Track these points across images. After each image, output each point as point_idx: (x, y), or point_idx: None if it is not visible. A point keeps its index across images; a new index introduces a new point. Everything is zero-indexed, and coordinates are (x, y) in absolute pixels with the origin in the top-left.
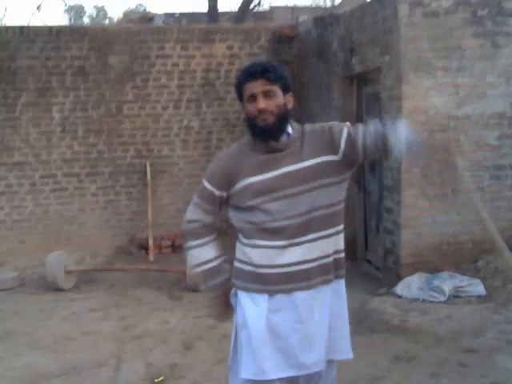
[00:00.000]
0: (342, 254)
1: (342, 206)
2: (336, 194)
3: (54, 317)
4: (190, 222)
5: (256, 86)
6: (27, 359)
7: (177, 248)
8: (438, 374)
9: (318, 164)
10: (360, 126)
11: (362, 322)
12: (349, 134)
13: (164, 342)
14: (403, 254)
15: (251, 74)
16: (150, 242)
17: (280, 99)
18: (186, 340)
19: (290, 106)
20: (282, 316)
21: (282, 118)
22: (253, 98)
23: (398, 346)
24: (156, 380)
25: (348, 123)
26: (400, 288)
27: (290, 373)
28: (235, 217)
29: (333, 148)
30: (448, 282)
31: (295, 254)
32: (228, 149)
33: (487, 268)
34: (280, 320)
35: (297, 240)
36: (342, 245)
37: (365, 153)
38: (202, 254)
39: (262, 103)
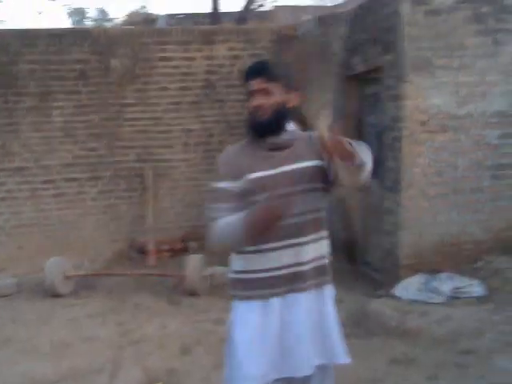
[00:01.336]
0: (327, 260)
1: (324, 213)
2: (319, 201)
3: (51, 323)
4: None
5: (254, 84)
6: (25, 366)
7: (177, 252)
8: (436, 376)
9: (309, 167)
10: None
11: (360, 325)
12: None
13: (162, 347)
14: (402, 254)
15: (250, 72)
16: (150, 246)
17: (278, 98)
18: (184, 345)
19: (290, 104)
20: (272, 319)
21: (279, 116)
22: (252, 94)
23: (397, 348)
24: None
25: None
26: (399, 289)
27: (275, 375)
28: None
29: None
30: (447, 283)
31: (289, 256)
32: (227, 150)
33: (487, 268)
34: (269, 323)
35: (290, 241)
36: (326, 251)
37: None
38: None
39: (256, 101)
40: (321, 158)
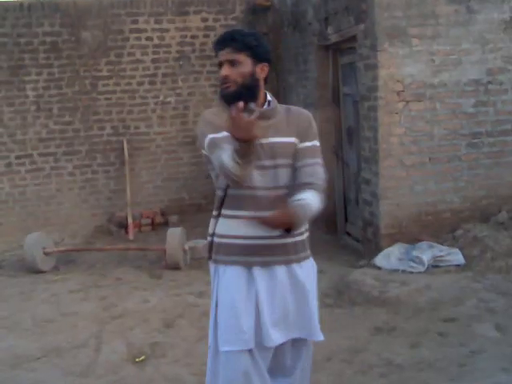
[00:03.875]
0: (304, 237)
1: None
2: (290, 178)
3: (33, 299)
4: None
5: (223, 55)
6: (7, 342)
7: (156, 226)
8: (418, 344)
9: (286, 143)
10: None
11: (342, 295)
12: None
13: (144, 321)
14: (382, 225)
15: (218, 42)
16: (130, 220)
17: (245, 68)
18: (167, 318)
19: (260, 75)
20: (258, 287)
21: (247, 87)
22: (220, 65)
23: (378, 317)
24: (137, 359)
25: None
26: (380, 259)
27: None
28: (217, 181)
29: (303, 137)
30: (427, 252)
31: (263, 228)
32: (208, 112)
33: (466, 237)
34: (256, 291)
35: (263, 213)
36: (303, 227)
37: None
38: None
39: (224, 71)
40: (296, 136)
